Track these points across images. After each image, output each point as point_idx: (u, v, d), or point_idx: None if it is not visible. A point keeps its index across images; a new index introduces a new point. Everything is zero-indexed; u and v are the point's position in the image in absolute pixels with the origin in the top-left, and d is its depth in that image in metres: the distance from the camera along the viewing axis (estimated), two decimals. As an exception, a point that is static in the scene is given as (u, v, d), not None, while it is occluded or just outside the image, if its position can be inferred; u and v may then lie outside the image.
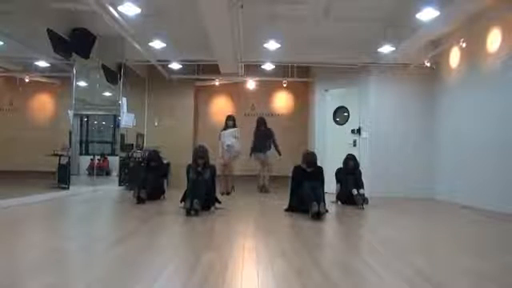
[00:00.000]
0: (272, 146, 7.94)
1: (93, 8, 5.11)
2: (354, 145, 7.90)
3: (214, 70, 8.33)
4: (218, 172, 5.84)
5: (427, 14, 5.31)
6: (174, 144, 8.81)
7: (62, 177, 7.40)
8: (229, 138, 7.56)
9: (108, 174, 8.88)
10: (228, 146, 7.47)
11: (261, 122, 8.06)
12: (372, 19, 6.35)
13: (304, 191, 4.73)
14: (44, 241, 3.24)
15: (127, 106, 8.45)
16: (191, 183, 4.85)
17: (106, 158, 9.00)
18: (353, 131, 8.00)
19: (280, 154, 7.94)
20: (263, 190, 7.86)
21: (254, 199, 6.89)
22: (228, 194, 7.34)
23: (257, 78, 9.23)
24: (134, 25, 6.03)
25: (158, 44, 7.01)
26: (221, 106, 9.85)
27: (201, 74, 9.19)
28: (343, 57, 7.51)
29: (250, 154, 7.95)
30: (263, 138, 7.91)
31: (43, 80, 9.58)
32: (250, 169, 8.39)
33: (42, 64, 8.38)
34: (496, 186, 5.44)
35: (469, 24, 5.98)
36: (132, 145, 8.86)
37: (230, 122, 7.72)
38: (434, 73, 7.42)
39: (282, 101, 9.92)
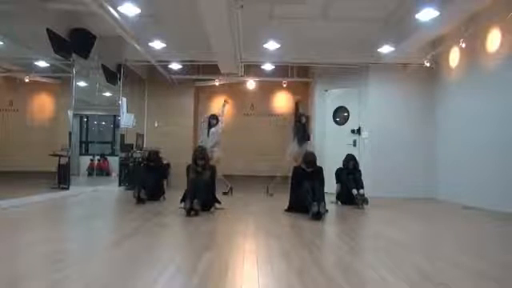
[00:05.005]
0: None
1: (92, 8, 5.10)
2: (354, 145, 7.90)
3: (213, 70, 8.32)
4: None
5: (427, 14, 5.31)
6: (174, 144, 8.80)
7: (62, 177, 7.40)
8: (213, 139, 7.26)
9: (108, 174, 8.88)
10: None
11: (300, 116, 7.94)
12: (372, 19, 6.35)
13: (304, 191, 4.74)
14: (44, 241, 3.23)
15: (127, 106, 8.45)
16: (191, 183, 4.85)
17: (105, 159, 9.00)
18: (353, 131, 7.99)
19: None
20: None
21: (254, 199, 6.88)
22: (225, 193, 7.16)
23: (257, 78, 9.23)
24: (134, 25, 6.03)
25: (157, 44, 7.02)
26: (221, 106, 9.85)
27: (201, 74, 9.18)
28: (343, 57, 7.50)
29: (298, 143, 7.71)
30: (302, 132, 7.80)
31: (43, 80, 9.58)
32: (251, 169, 8.38)
33: (42, 64, 8.37)
34: (497, 186, 5.44)
35: (469, 24, 5.98)
36: (132, 145, 8.86)
37: (214, 120, 7.43)
38: (434, 73, 7.42)
39: (282, 101, 9.92)
